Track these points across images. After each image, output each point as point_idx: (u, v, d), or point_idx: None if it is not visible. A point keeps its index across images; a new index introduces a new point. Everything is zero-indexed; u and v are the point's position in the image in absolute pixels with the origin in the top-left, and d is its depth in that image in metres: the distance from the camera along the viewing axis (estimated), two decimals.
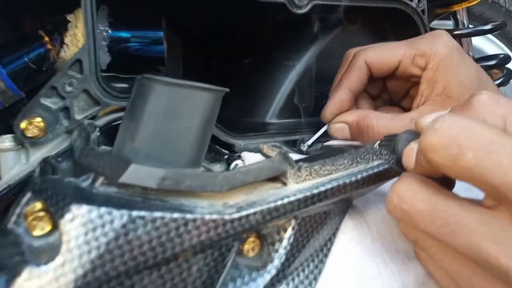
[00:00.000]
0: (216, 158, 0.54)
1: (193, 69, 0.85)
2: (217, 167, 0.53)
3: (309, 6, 0.58)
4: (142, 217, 0.31)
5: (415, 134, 0.41)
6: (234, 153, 0.56)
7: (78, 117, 0.50)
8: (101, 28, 0.66)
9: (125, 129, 0.38)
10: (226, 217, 0.33)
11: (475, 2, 0.69)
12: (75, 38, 0.54)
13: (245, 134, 0.58)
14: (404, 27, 0.69)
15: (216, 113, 0.40)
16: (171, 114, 0.37)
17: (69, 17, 0.53)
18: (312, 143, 0.61)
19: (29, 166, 0.48)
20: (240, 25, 0.72)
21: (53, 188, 0.32)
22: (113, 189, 0.33)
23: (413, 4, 0.65)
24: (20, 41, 0.54)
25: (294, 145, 0.62)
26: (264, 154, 0.38)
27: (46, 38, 0.54)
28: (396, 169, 0.39)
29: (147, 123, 0.37)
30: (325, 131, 0.61)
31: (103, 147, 0.46)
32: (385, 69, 0.57)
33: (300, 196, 0.35)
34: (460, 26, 0.74)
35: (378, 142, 0.45)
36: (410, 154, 0.38)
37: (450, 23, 0.79)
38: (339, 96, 0.57)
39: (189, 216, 0.32)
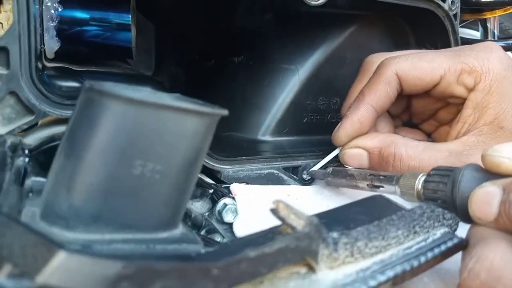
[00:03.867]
0: (196, 193, 0.40)
1: (167, 63, 0.70)
2: (198, 206, 0.39)
3: None
4: None
5: (483, 172, 0.29)
6: (220, 184, 0.42)
7: (1, 130, 0.35)
8: (48, 3, 0.50)
9: (59, 171, 0.24)
10: None
11: (511, 11, 0.58)
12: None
13: (233, 157, 0.45)
14: (428, 32, 0.57)
15: (207, 146, 0.26)
16: (135, 151, 0.23)
17: None
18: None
19: None
20: (232, 12, 0.57)
21: None
22: (27, 284, 0.19)
23: (446, 7, 0.53)
24: None
25: (294, 172, 0.49)
26: (281, 219, 0.24)
27: None
28: (467, 243, 0.27)
29: (93, 164, 0.22)
30: (335, 156, 0.48)
31: (35, 179, 0.32)
32: (422, 85, 0.44)
33: None
34: (490, 37, 0.63)
35: (423, 176, 0.33)
36: (485, 201, 0.27)
37: (472, 32, 0.69)
38: (360, 115, 0.44)
39: None
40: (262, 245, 0.21)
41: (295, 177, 0.48)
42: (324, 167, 0.49)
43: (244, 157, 0.45)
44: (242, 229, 0.37)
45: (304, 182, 0.49)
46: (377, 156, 0.45)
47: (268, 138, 0.54)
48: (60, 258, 0.18)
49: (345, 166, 0.48)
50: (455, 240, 0.26)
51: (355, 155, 0.46)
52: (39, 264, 0.18)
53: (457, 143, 0.43)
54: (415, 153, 0.43)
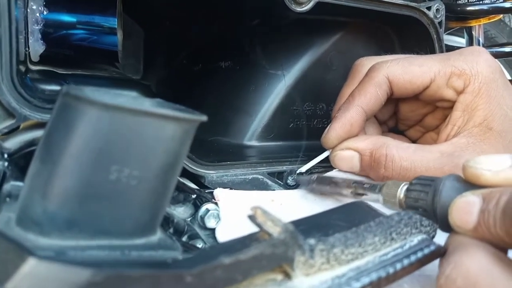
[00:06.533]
0: (178, 198, 0.40)
1: (155, 67, 0.70)
2: (181, 211, 0.39)
3: (310, 4, 0.45)
4: None
5: (464, 182, 0.30)
6: (204, 189, 0.42)
7: None
8: (34, 7, 0.50)
9: (35, 176, 0.23)
10: None
11: (496, 19, 0.59)
12: None
13: (217, 162, 0.45)
14: (413, 39, 0.58)
15: (186, 152, 0.26)
16: (111, 156, 0.23)
17: None
18: (304, 173, 0.48)
19: None
20: (220, 17, 0.58)
21: None
22: None
23: (431, 14, 0.54)
24: None
25: (279, 177, 0.49)
26: (259, 226, 0.24)
27: None
28: (445, 250, 0.27)
29: (68, 169, 0.22)
30: (324, 159, 0.48)
31: (14, 184, 0.31)
32: (412, 88, 0.44)
33: None
34: (475, 44, 0.64)
35: (405, 185, 0.33)
36: (466, 210, 0.27)
37: (458, 39, 0.69)
38: (350, 117, 0.44)
39: None
40: (238, 252, 0.21)
41: (280, 182, 0.48)
42: (309, 173, 0.49)
43: (228, 162, 0.45)
44: (224, 235, 0.37)
45: (289, 188, 0.49)
46: (368, 158, 0.45)
47: (254, 143, 0.54)
48: (30, 264, 0.18)
49: (334, 168, 0.48)
50: (432, 247, 0.27)
51: (346, 157, 0.46)
52: (9, 270, 0.18)
53: (448, 145, 0.43)
54: (407, 154, 0.43)
